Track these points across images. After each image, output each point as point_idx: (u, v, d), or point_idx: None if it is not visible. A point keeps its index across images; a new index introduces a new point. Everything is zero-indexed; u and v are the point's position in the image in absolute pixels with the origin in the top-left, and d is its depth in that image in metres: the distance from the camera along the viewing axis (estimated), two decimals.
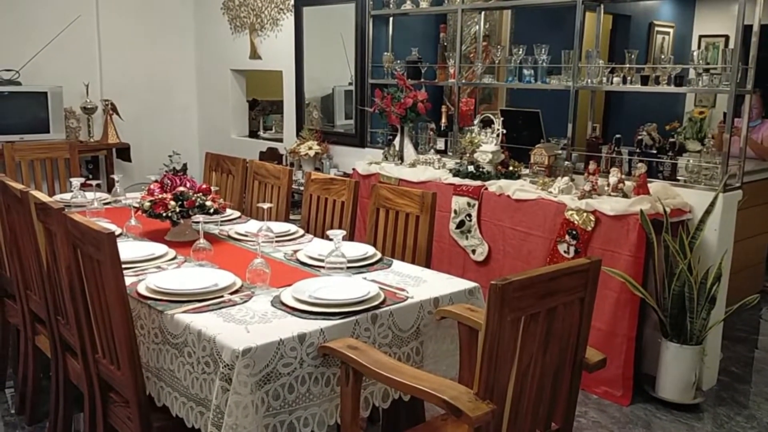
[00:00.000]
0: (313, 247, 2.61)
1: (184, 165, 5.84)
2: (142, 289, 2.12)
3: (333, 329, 1.90)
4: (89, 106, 5.42)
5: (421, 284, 2.29)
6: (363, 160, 4.36)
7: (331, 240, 2.31)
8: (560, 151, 3.71)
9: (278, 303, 2.04)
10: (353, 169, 4.38)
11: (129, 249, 2.51)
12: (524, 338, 1.58)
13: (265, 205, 2.62)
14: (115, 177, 3.52)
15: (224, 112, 5.96)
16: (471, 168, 3.77)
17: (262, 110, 6.17)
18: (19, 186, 2.53)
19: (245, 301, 2.06)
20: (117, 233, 2.79)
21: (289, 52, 5.19)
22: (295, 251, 2.62)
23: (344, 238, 2.38)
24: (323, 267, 2.36)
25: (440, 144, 4.33)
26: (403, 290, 2.19)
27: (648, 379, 3.24)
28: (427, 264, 2.63)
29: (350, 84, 4.96)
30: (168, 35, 5.95)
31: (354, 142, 4.84)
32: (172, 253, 2.53)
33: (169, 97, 6.04)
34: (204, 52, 6.06)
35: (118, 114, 5.53)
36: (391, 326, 2.05)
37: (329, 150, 4.91)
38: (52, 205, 2.19)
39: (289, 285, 2.15)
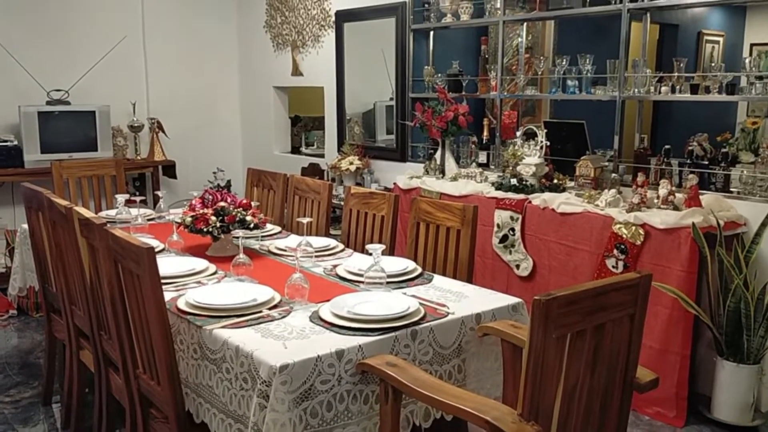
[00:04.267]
0: (352, 262, 2.57)
1: (228, 181, 5.83)
2: (181, 304, 2.11)
3: (372, 345, 1.86)
4: (136, 125, 5.53)
5: (463, 300, 2.23)
6: (404, 175, 4.33)
7: (370, 254, 2.27)
8: (607, 163, 3.61)
9: (316, 318, 2.01)
10: (394, 184, 4.35)
11: (170, 264, 2.52)
12: (570, 356, 1.51)
13: (305, 220, 2.61)
14: (159, 193, 3.55)
15: (267, 128, 6.01)
16: (514, 181, 3.70)
17: (304, 126, 6.21)
18: (64, 202, 2.57)
19: (283, 317, 2.04)
20: (159, 249, 2.82)
21: (330, 68, 5.21)
22: (335, 266, 2.59)
23: (384, 253, 2.34)
24: (363, 282, 2.33)
25: (482, 157, 4.27)
26: (444, 306, 2.14)
27: (703, 400, 3.09)
28: (469, 279, 2.57)
29: (391, 99, 4.94)
30: (212, 54, 6.05)
31: (395, 156, 4.81)
32: (212, 268, 2.54)
33: (213, 115, 6.13)
34: (247, 69, 6.14)
35: (164, 132, 5.62)
36: (432, 343, 1.99)
37: (370, 165, 4.89)
38: (95, 221, 2.21)
39: (328, 300, 2.12)
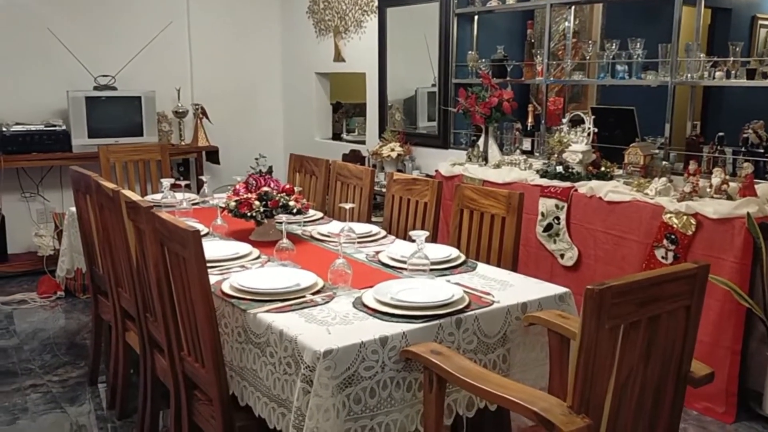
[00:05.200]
0: (395, 249, 2.55)
1: (270, 167, 5.92)
2: (226, 287, 2.12)
3: (416, 333, 1.83)
4: (181, 110, 5.59)
5: (508, 288, 2.19)
6: (446, 162, 4.28)
7: (413, 241, 2.25)
8: (657, 151, 3.51)
9: (360, 304, 1.99)
10: (436, 171, 4.30)
11: (214, 248, 2.53)
12: (623, 349, 1.46)
13: (347, 205, 2.59)
14: (204, 178, 3.59)
15: (308, 114, 6.02)
16: (560, 168, 3.62)
17: (345, 113, 6.19)
18: (111, 185, 2.60)
19: (327, 302, 2.03)
20: (203, 232, 2.83)
21: (372, 53, 5.18)
22: (377, 252, 2.58)
23: (427, 240, 2.31)
24: (406, 269, 2.30)
25: (526, 144, 4.20)
26: (488, 294, 2.10)
27: (754, 396, 2.99)
28: (514, 268, 2.53)
29: (433, 85, 4.89)
30: (255, 40, 6.06)
31: (437, 143, 4.76)
32: (256, 252, 2.54)
33: (255, 101, 6.16)
34: (289, 55, 6.14)
35: (207, 118, 5.67)
36: (477, 332, 1.96)
37: (412, 151, 4.85)
38: (142, 204, 2.23)
39: (371, 287, 2.10)
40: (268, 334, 1.87)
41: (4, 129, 4.74)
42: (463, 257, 2.48)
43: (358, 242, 2.68)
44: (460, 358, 1.72)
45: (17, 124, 4.82)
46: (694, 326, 1.61)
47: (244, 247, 2.55)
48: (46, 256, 4.81)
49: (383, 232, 2.88)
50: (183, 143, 5.65)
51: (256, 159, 5.95)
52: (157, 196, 3.50)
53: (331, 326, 1.84)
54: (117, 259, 2.73)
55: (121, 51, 5.25)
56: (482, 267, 2.44)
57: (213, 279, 2.21)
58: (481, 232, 2.66)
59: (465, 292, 2.07)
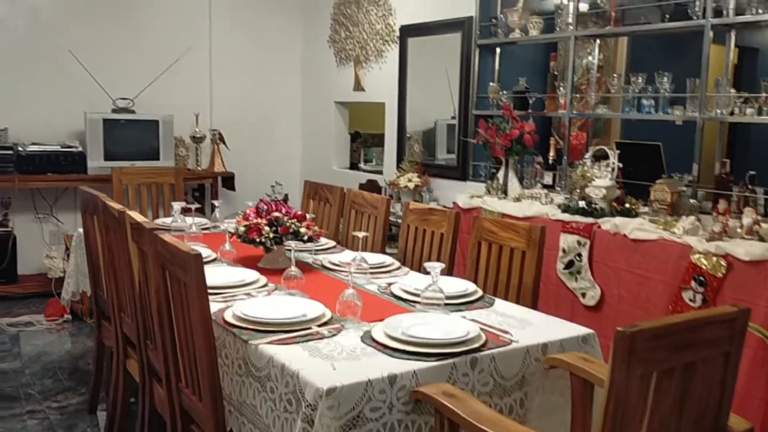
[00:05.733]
0: (409, 281, 2.43)
1: (286, 195, 5.85)
2: (228, 316, 2.01)
3: (427, 372, 1.70)
4: (198, 135, 5.56)
5: (527, 327, 2.06)
6: (464, 194, 4.17)
7: (428, 273, 2.13)
8: (684, 188, 3.37)
9: (368, 339, 1.87)
10: (454, 203, 4.19)
11: (221, 274, 2.43)
12: (656, 398, 1.33)
13: (360, 234, 2.49)
14: (216, 202, 3.51)
15: (327, 143, 5.96)
16: (582, 204, 3.49)
17: (363, 142, 6.13)
18: (117, 206, 2.52)
19: (333, 335, 1.91)
20: (211, 258, 2.74)
21: (392, 83, 5.12)
22: (390, 284, 2.46)
23: (442, 272, 2.19)
24: (419, 302, 2.18)
25: (548, 178, 4.08)
26: (506, 333, 1.97)
27: None
28: (534, 305, 2.39)
29: (453, 118, 4.81)
30: (275, 67, 6.05)
31: (455, 174, 4.66)
32: (263, 280, 2.44)
33: (273, 128, 6.12)
34: (309, 83, 6.12)
35: (225, 144, 5.63)
36: (493, 372, 1.83)
37: (429, 182, 4.75)
38: (145, 225, 2.14)
39: (381, 320, 1.98)
40: (269, 367, 1.75)
41: (20, 149, 4.72)
42: (480, 292, 2.35)
43: (371, 273, 2.56)
44: (474, 401, 1.59)
45: (33, 144, 4.80)
46: (733, 375, 1.47)
47: (251, 274, 2.45)
48: (56, 278, 4.74)
49: (397, 263, 2.76)
50: (199, 168, 5.61)
51: (272, 186, 5.90)
52: (168, 220, 3.43)
53: (337, 361, 1.72)
54: (120, 282, 2.64)
55: (141, 74, 5.25)
56: (500, 303, 2.31)
57: (216, 306, 2.11)
58: (499, 266, 2.54)
59: (481, 329, 1.94)
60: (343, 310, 2.03)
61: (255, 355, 1.81)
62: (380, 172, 5.38)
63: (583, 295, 3.35)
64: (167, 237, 1.97)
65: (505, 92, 4.32)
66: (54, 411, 3.13)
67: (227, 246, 2.73)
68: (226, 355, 1.96)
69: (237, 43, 5.82)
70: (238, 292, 2.29)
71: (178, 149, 5.46)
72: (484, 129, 4.02)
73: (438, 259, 2.77)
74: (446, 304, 2.15)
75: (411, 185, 4.65)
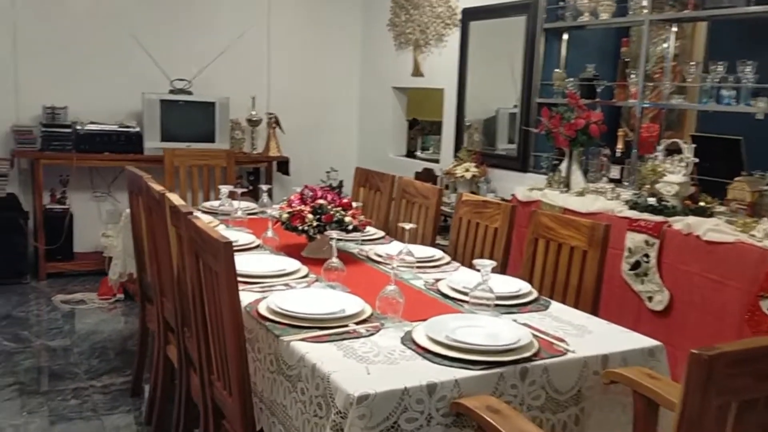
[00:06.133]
0: (458, 277, 2.27)
1: (340, 182, 5.71)
2: (262, 308, 1.90)
3: (471, 382, 1.55)
4: (254, 119, 5.50)
5: (586, 335, 1.87)
6: (523, 186, 3.96)
7: (478, 271, 1.96)
8: (766, 187, 3.08)
9: (409, 340, 1.73)
10: (512, 195, 3.99)
11: (260, 262, 2.33)
12: (736, 431, 1.14)
13: (407, 226, 2.33)
14: (264, 187, 3.41)
15: (383, 130, 5.82)
16: (652, 201, 3.24)
17: (421, 130, 5.96)
18: (158, 187, 2.45)
19: (371, 334, 1.77)
20: (254, 245, 2.65)
21: (452, 69, 4.93)
22: (437, 280, 2.30)
23: (495, 270, 2.02)
24: (467, 302, 2.02)
25: (614, 172, 3.82)
26: (562, 341, 1.79)
27: None
28: (594, 310, 2.20)
29: (515, 106, 4.60)
30: (334, 50, 5.93)
31: (515, 165, 4.45)
32: (304, 270, 2.32)
33: (330, 113, 6.01)
34: (367, 68, 5.98)
35: (280, 127, 5.56)
36: (545, 385, 1.65)
37: (487, 173, 4.55)
38: (181, 209, 2.05)
39: (425, 320, 1.83)
40: (301, 366, 1.63)
41: (78, 127, 4.76)
42: (534, 293, 2.17)
43: (418, 267, 2.41)
44: (521, 419, 1.42)
45: (92, 123, 4.83)
46: None
47: (292, 264, 2.33)
48: (110, 257, 4.76)
49: (446, 258, 2.60)
50: (254, 152, 5.56)
51: (327, 172, 5.79)
52: (216, 204, 3.36)
53: (372, 364, 1.58)
54: (162, 266, 2.57)
55: (199, 55, 5.21)
56: (557, 307, 2.12)
57: (252, 297, 2.01)
58: (557, 265, 2.35)
59: (534, 335, 1.77)
60: (384, 308, 1.89)
61: (286, 353, 1.69)
62: (437, 161, 5.21)
63: (650, 299, 3.12)
64: (200, 222, 1.87)
65: (571, 79, 4.07)
66: (98, 391, 3.11)
67: (270, 233, 2.63)
68: (258, 350, 1.85)
69: (295, 25, 5.73)
70: (276, 283, 2.18)
71: (233, 132, 5.42)
72: (548, 117, 3.80)
73: (491, 256, 2.59)
74: (496, 305, 1.99)
75: (468, 175, 4.47)
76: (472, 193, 4.42)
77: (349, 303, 1.92)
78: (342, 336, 1.74)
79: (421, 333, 1.74)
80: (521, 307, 2.06)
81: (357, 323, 1.82)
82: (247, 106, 5.47)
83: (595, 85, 3.97)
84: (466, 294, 2.07)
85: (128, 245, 3.29)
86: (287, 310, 1.83)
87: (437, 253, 2.62)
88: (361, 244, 2.77)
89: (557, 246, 2.36)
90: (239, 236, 2.72)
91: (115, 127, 4.89)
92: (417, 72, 5.32)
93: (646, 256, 3.12)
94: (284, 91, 5.72)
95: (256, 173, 5.68)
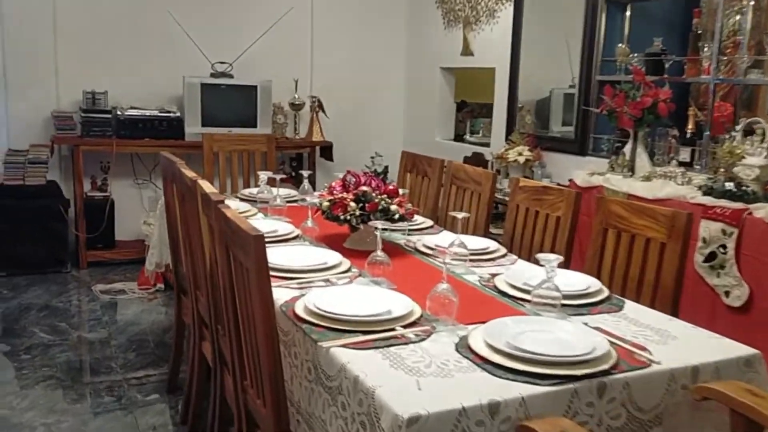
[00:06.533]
0: (517, 272, 2.03)
1: (386, 167, 5.54)
2: (299, 308, 1.70)
3: (540, 399, 1.32)
4: (297, 102, 5.32)
5: (669, 342, 1.61)
6: (583, 170, 3.67)
7: (542, 266, 1.73)
8: None
9: (465, 348, 1.50)
10: (570, 180, 3.71)
11: (299, 255, 2.14)
12: None
13: (459, 215, 2.11)
14: (304, 173, 3.22)
15: (430, 113, 5.57)
16: (729, 185, 2.93)
17: (470, 112, 5.68)
18: (190, 174, 2.27)
19: (422, 339, 1.55)
20: (292, 235, 2.46)
21: (504, 47, 4.65)
22: (494, 275, 2.07)
23: (559, 265, 1.78)
24: (529, 301, 1.78)
25: (684, 154, 3.51)
26: (644, 349, 1.54)
27: None
28: (674, 311, 1.93)
29: (571, 87, 4.30)
30: (379, 30, 5.69)
31: (572, 148, 4.15)
32: (346, 263, 2.11)
33: (375, 96, 5.78)
34: (414, 48, 5.72)
35: (324, 111, 5.37)
36: (626, 403, 1.41)
37: (542, 157, 4.27)
38: (212, 197, 1.87)
39: (483, 322, 1.60)
40: (341, 377, 1.42)
41: (118, 113, 4.66)
42: (605, 292, 1.92)
43: (471, 260, 2.18)
44: None
45: (132, 108, 4.72)
46: None
47: (333, 256, 2.13)
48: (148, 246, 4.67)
49: (502, 249, 2.36)
50: (297, 137, 5.38)
51: (372, 158, 5.59)
52: (254, 191, 3.19)
53: (423, 377, 1.36)
54: (195, 257, 2.40)
55: (241, 37, 5.04)
56: (631, 307, 1.87)
57: (289, 294, 1.81)
58: (630, 259, 2.08)
59: (610, 342, 1.53)
60: (435, 308, 1.67)
61: (326, 360, 1.49)
62: (487, 145, 4.94)
63: (727, 293, 2.82)
64: (230, 212, 1.68)
65: (635, 55, 3.75)
66: (133, 387, 2.98)
67: (309, 222, 2.43)
68: (295, 355, 1.65)
69: (339, 4, 5.51)
70: (315, 278, 1.98)
71: (276, 116, 5.25)
72: (611, 96, 3.50)
73: (552, 248, 2.35)
74: (563, 305, 1.74)
75: (521, 159, 4.20)
76: (526, 178, 4.15)
77: (396, 302, 1.71)
78: (388, 342, 1.53)
79: (478, 339, 1.51)
80: (591, 308, 1.82)
81: (405, 326, 1.60)
82: (290, 90, 5.30)
83: (663, 61, 3.64)
84: (527, 292, 1.84)
85: (164, 234, 3.14)
86: (327, 311, 1.63)
87: (491, 244, 2.38)
88: (408, 235, 2.55)
89: (629, 237, 2.09)
90: (277, 226, 2.53)
91: (155, 112, 4.77)
92: (466, 51, 5.04)
93: (723, 246, 2.82)
94: (328, 73, 5.51)
95: (298, 159, 5.51)
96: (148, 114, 4.73)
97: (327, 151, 5.39)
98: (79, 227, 4.62)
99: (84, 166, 4.62)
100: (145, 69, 4.90)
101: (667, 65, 3.65)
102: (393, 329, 1.58)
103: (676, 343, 1.60)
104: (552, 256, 1.70)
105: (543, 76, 4.58)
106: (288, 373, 1.65)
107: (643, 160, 3.49)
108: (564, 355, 1.41)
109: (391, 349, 1.50)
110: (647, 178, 3.33)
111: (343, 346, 1.50)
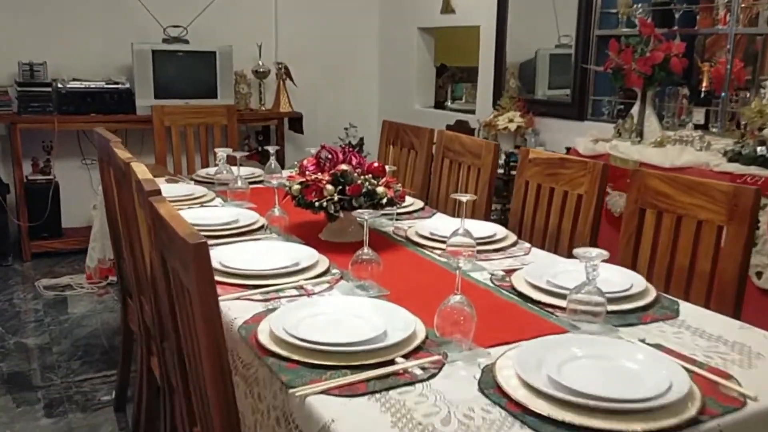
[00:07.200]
0: (537, 268, 1.63)
1: (361, 139, 5.11)
2: (263, 333, 1.27)
3: None
4: (261, 70, 4.83)
5: (755, 362, 1.22)
6: (584, 137, 3.28)
7: (574, 258, 1.32)
8: None
9: (492, 388, 1.09)
10: (569, 149, 3.32)
11: (263, 253, 1.71)
12: None
13: (464, 197, 1.69)
14: (271, 149, 2.77)
15: (408, 78, 5.11)
16: (762, 150, 2.55)
17: (451, 77, 5.24)
18: (124, 155, 1.82)
19: (432, 375, 1.14)
20: (257, 226, 2.02)
21: (489, 2, 4.20)
22: (508, 271, 1.66)
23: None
24: (561, 308, 1.38)
25: (698, 116, 3.13)
26: (728, 377, 1.15)
27: None
28: (736, 312, 1.55)
29: (557, 46, 3.90)
30: None
31: (569, 113, 3.75)
32: (323, 263, 1.68)
33: (347, 62, 5.30)
34: (388, 7, 5.24)
35: (291, 79, 4.89)
36: None
37: (535, 123, 3.87)
38: (144, 186, 1.42)
39: (507, 344, 1.20)
40: None
41: (59, 86, 4.13)
42: (653, 292, 1.52)
43: (477, 251, 1.77)
44: None
45: (75, 80, 4.20)
46: None
47: (307, 254, 1.70)
48: None
49: (512, 236, 1.95)
50: (263, 108, 4.90)
51: (346, 129, 5.14)
52: (212, 170, 2.75)
53: None
54: (136, 256, 1.96)
55: None
56: (688, 310, 1.47)
57: (251, 310, 1.39)
58: (675, 247, 1.69)
59: (688, 371, 1.13)
60: (446, 328, 1.25)
61: (300, 414, 1.07)
62: (472, 112, 4.52)
63: (759, 274, 2.46)
64: (165, 208, 1.23)
65: (639, 5, 3.34)
66: (76, 406, 2.55)
67: (276, 211, 1.99)
68: (260, 397, 1.22)
69: None
70: (285, 285, 1.55)
71: (238, 86, 4.75)
72: (616, 52, 3.09)
73: (572, 233, 1.94)
74: (607, 314, 1.34)
75: (512, 126, 3.79)
76: (517, 148, 3.75)
77: (393, 319, 1.29)
78: (387, 382, 1.11)
79: (509, 373, 1.10)
80: (642, 315, 1.42)
81: (407, 356, 1.19)
82: (253, 57, 4.80)
83: (672, 10, 3.23)
84: (555, 295, 1.43)
85: (106, 225, 2.68)
86: (301, 339, 1.20)
87: (498, 229, 1.97)
88: (397, 219, 2.13)
89: (674, 219, 1.70)
90: (238, 214, 2.10)
91: (102, 84, 4.25)
92: (447, 8, 4.58)
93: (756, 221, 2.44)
94: (294, 37, 5.01)
95: (265, 132, 5.03)
96: (93, 86, 4.21)
97: (296, 123, 4.92)
98: (21, 215, 4.13)
99: (23, 146, 4.11)
100: (88, 36, 4.36)
101: (677, 15, 3.25)
102: (392, 361, 1.17)
103: (763, 365, 1.21)
104: (594, 251, 1.30)
105: (527, 35, 4.16)
106: (251, 419, 1.23)
107: (652, 124, 3.11)
108: (634, 399, 1.01)
109: (392, 393, 1.08)
110: (660, 144, 2.94)
111: (324, 392, 1.08)
